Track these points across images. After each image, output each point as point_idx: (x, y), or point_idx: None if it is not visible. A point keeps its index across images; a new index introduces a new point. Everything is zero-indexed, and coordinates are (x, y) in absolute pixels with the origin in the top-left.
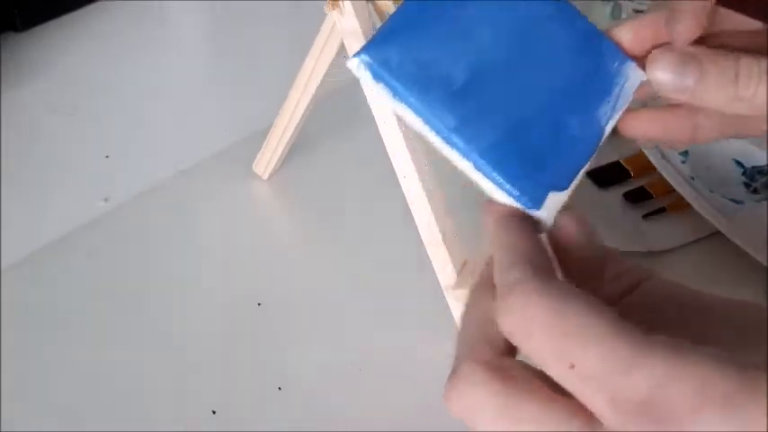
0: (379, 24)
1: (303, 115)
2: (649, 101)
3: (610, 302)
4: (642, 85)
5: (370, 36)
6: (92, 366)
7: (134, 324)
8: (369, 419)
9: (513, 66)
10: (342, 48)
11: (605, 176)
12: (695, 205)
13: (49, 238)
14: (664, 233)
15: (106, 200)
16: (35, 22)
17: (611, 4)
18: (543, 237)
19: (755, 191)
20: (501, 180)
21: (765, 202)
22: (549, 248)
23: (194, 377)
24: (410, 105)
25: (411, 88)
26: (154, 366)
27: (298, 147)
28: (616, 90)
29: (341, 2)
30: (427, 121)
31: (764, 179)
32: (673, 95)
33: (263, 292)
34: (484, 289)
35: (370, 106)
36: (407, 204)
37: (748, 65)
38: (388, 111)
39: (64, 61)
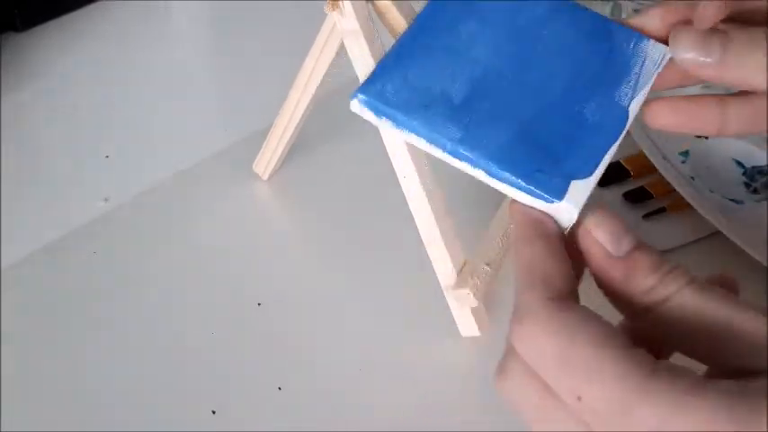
0: (378, 25)
1: (303, 115)
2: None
3: (637, 313)
4: (666, 59)
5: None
6: (92, 366)
7: (134, 324)
8: (369, 419)
9: (516, 69)
10: (342, 48)
11: (605, 176)
12: (695, 205)
13: (49, 238)
14: (664, 233)
15: (106, 200)
16: (35, 22)
17: (611, 3)
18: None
19: (755, 191)
20: (513, 179)
21: (765, 202)
22: (580, 244)
23: (194, 377)
24: (413, 130)
25: (411, 113)
26: (154, 366)
27: (298, 147)
28: (635, 70)
29: (341, 2)
30: (432, 141)
31: (764, 179)
32: (698, 70)
33: (263, 292)
34: (537, 232)
35: None
36: (407, 204)
37: None
38: None
39: (64, 61)
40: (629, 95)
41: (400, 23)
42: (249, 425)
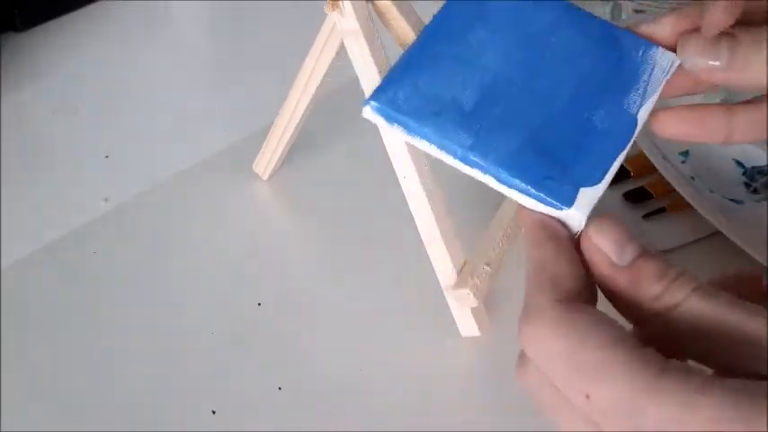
0: (378, 25)
1: (303, 115)
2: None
3: (644, 321)
4: (675, 67)
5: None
6: (92, 366)
7: (134, 324)
8: (369, 419)
9: (526, 76)
10: (342, 48)
11: None
12: (695, 205)
13: (49, 238)
14: (664, 233)
15: (106, 200)
16: (35, 22)
17: (611, 4)
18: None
19: (755, 191)
20: (523, 186)
21: (765, 202)
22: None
23: (194, 377)
24: (424, 136)
25: (422, 120)
26: (153, 366)
27: (298, 147)
28: (644, 77)
29: (341, 2)
30: (443, 147)
31: (764, 179)
32: (707, 75)
33: (263, 292)
34: (547, 235)
35: None
36: (407, 204)
37: None
38: None
39: (64, 61)
40: (637, 103)
41: (400, 23)
42: (249, 425)
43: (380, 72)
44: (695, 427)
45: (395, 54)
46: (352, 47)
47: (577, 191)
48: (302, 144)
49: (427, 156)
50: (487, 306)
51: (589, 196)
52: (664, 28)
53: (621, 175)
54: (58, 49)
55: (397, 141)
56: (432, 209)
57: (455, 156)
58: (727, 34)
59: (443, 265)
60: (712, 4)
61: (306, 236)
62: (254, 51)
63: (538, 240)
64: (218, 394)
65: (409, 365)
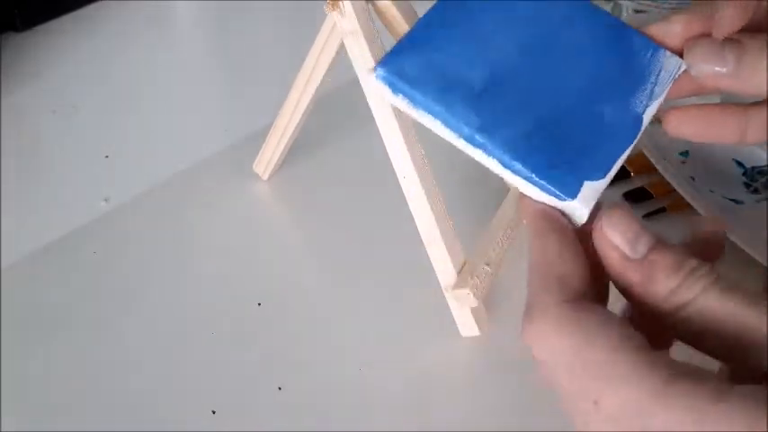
0: (378, 25)
1: (303, 115)
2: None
3: (660, 315)
4: (681, 71)
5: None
6: (91, 366)
7: (134, 324)
8: (369, 419)
9: (537, 65)
10: (342, 48)
11: None
12: (695, 205)
13: (49, 238)
14: (664, 233)
15: (106, 200)
16: (35, 22)
17: (611, 3)
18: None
19: (755, 191)
20: (527, 172)
21: (765, 202)
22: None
23: (194, 377)
24: (431, 111)
25: (430, 94)
26: (153, 366)
27: (298, 147)
28: (651, 79)
29: (341, 2)
30: (449, 125)
31: (764, 179)
32: (714, 81)
33: (263, 292)
34: (550, 225)
35: (371, 107)
36: (407, 204)
37: None
38: (389, 111)
39: (64, 61)
40: (643, 104)
41: (400, 23)
42: (249, 425)
43: None
44: None
45: None
46: (352, 47)
47: (581, 183)
48: (302, 144)
49: (427, 156)
50: (487, 306)
51: (593, 190)
52: (674, 27)
53: (621, 174)
54: (58, 49)
55: (396, 142)
56: (432, 209)
57: (461, 134)
58: (734, 41)
59: (443, 265)
60: (724, 3)
61: (306, 236)
62: (254, 51)
63: (540, 231)
64: (218, 394)
65: (409, 365)
